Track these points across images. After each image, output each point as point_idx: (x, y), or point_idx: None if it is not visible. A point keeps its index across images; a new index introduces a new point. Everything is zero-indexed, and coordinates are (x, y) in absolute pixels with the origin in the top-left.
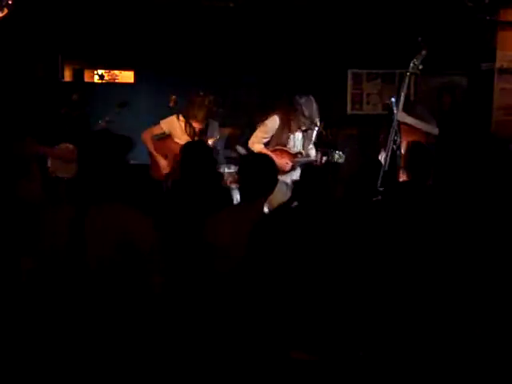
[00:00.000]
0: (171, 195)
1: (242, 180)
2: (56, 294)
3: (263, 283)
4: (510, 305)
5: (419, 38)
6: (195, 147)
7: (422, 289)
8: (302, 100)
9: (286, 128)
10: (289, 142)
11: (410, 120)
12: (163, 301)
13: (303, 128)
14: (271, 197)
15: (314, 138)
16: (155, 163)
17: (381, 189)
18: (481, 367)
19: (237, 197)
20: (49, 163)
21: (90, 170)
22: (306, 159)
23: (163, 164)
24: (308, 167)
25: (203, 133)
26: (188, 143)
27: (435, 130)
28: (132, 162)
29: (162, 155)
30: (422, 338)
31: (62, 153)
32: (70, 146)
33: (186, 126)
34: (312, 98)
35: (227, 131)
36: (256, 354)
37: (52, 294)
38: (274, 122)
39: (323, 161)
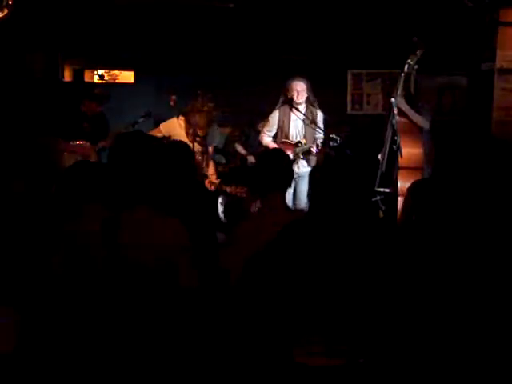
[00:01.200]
0: None
1: (254, 176)
2: (92, 294)
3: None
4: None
5: (414, 38)
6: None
7: (431, 293)
8: (296, 78)
9: (285, 118)
10: (290, 132)
11: (405, 107)
12: (200, 294)
13: (299, 111)
14: None
15: (318, 129)
16: None
17: (380, 189)
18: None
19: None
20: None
21: (126, 172)
22: (304, 147)
23: None
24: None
25: (204, 137)
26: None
27: (426, 124)
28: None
29: None
30: (427, 343)
31: (78, 148)
32: (87, 144)
33: (187, 130)
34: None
35: (227, 131)
36: (261, 359)
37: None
38: (274, 116)
39: (319, 147)
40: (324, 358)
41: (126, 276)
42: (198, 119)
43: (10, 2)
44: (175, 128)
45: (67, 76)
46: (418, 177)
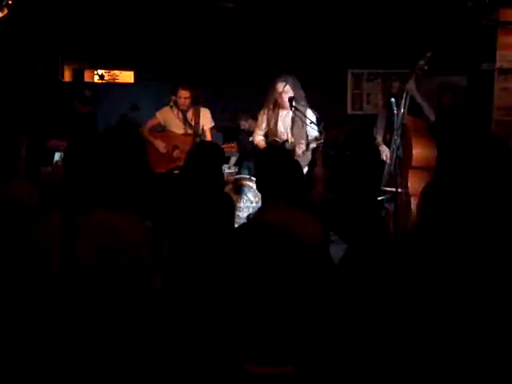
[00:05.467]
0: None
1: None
2: (47, 303)
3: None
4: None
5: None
6: (206, 148)
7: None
8: (279, 79)
9: (273, 117)
10: (278, 130)
11: (417, 96)
12: (163, 298)
13: (283, 110)
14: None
15: (308, 128)
16: (154, 154)
17: (387, 189)
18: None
19: (247, 196)
20: (57, 157)
21: (78, 175)
22: (290, 146)
23: (160, 145)
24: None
25: (192, 105)
26: (200, 144)
27: (432, 117)
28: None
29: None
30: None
31: None
32: None
33: (179, 116)
34: (289, 78)
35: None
36: (211, 367)
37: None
38: (262, 115)
39: (308, 148)
40: (273, 367)
41: (86, 285)
42: (183, 93)
43: (10, 2)
44: (169, 115)
45: (67, 76)
46: (430, 177)
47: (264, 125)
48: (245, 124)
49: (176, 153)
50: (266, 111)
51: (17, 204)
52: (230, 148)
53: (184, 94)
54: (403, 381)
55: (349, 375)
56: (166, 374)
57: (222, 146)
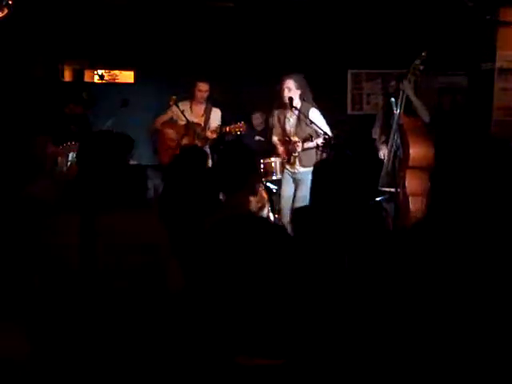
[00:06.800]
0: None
1: (218, 173)
2: (69, 304)
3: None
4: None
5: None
6: (190, 153)
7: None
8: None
9: (282, 116)
10: (287, 130)
11: (412, 96)
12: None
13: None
14: (282, 189)
15: (314, 127)
16: (162, 143)
17: (385, 189)
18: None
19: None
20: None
21: (94, 173)
22: (307, 145)
23: (170, 133)
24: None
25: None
26: (183, 149)
27: (427, 119)
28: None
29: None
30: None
31: (69, 149)
32: (76, 144)
33: (178, 112)
34: (294, 75)
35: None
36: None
37: (64, 305)
38: (273, 116)
39: (300, 147)
40: (263, 359)
41: (104, 285)
42: (203, 85)
43: (10, 2)
44: (180, 112)
45: (67, 76)
46: (427, 177)
47: (277, 125)
48: (258, 118)
49: (185, 139)
50: (276, 112)
51: (41, 202)
52: (238, 128)
53: (203, 87)
54: (401, 380)
55: (342, 372)
56: (164, 373)
57: (230, 127)
